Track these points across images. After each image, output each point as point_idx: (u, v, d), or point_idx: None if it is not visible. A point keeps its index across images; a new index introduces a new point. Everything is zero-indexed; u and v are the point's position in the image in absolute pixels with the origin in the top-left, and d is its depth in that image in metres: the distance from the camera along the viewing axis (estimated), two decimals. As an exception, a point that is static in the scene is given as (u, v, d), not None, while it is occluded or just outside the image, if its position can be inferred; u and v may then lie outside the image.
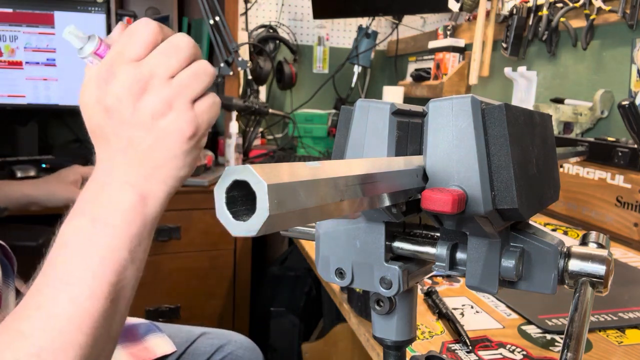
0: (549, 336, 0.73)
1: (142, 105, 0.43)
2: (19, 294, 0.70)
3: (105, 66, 0.44)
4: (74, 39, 0.45)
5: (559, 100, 1.45)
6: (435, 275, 0.94)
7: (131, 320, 0.94)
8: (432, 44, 2.06)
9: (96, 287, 0.42)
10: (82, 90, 0.46)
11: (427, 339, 0.71)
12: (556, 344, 0.70)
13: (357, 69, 2.43)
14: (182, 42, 0.44)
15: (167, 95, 0.43)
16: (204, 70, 0.45)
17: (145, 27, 0.43)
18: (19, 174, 1.58)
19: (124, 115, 0.43)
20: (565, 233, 1.23)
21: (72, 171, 1.24)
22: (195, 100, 0.45)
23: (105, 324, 0.43)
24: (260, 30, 2.39)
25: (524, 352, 0.67)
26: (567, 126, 1.44)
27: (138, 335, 0.90)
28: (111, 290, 0.43)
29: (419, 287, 0.86)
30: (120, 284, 0.44)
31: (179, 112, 0.43)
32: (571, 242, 0.79)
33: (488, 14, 1.76)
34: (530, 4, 1.57)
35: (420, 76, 2.10)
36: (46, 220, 1.04)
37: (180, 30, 2.04)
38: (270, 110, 2.13)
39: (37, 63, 1.78)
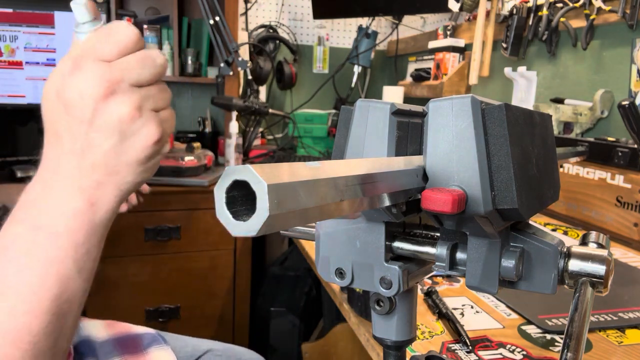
0: (549, 336, 0.73)
1: (108, 108, 0.40)
2: None
3: (73, 58, 0.41)
4: (82, 11, 0.42)
5: (559, 100, 1.45)
6: (435, 275, 0.94)
7: (137, 329, 0.91)
8: (432, 44, 2.06)
9: (36, 301, 0.40)
10: (47, 79, 0.43)
11: (427, 339, 0.71)
12: (556, 344, 0.70)
13: (357, 69, 2.43)
14: (159, 59, 0.43)
15: (137, 101, 0.41)
16: (166, 89, 0.45)
17: (126, 31, 0.41)
18: (19, 174, 1.58)
19: (84, 114, 0.40)
20: (565, 233, 1.23)
21: None
22: (158, 111, 0.44)
23: (48, 341, 0.41)
24: (260, 30, 2.39)
25: (524, 352, 0.67)
26: (567, 126, 1.44)
27: (141, 346, 0.86)
28: (54, 304, 0.40)
29: (419, 287, 0.86)
30: (64, 297, 0.41)
31: (146, 118, 0.42)
32: (571, 242, 0.79)
33: (488, 14, 1.76)
34: (530, 4, 1.57)
35: (420, 76, 2.10)
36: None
37: (180, 30, 2.04)
38: (270, 110, 2.13)
39: (37, 63, 1.78)
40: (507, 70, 1.65)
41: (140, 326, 0.91)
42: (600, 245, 0.33)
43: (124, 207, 1.12)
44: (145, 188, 1.33)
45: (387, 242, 0.34)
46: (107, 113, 0.40)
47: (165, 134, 0.44)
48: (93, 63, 0.40)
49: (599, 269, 0.31)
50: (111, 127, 0.41)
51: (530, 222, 0.34)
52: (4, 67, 1.71)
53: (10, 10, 1.76)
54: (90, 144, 0.41)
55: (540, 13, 1.53)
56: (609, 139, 1.22)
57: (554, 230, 1.25)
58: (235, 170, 0.18)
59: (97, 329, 0.87)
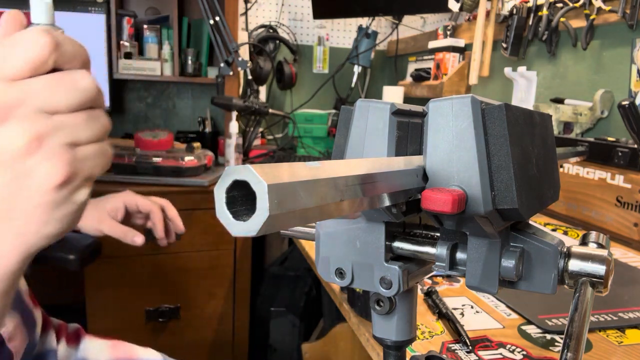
0: (549, 336, 0.73)
1: None
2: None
3: None
4: (42, 10, 0.37)
5: (559, 100, 1.45)
6: (435, 275, 0.94)
7: (142, 353, 0.85)
8: (432, 44, 2.06)
9: None
10: None
11: (427, 339, 0.71)
12: (556, 344, 0.70)
13: (357, 69, 2.43)
14: (83, 81, 0.35)
15: (37, 131, 0.33)
16: (98, 119, 0.36)
17: (36, 42, 0.33)
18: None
19: None
20: (565, 233, 1.23)
21: (115, 198, 1.06)
22: (77, 145, 0.35)
23: None
24: (260, 30, 2.39)
25: (524, 352, 0.67)
26: (567, 126, 1.44)
27: None
28: None
29: (419, 287, 0.86)
30: None
31: (49, 152, 0.33)
32: (571, 242, 0.79)
33: (488, 14, 1.76)
34: (530, 4, 1.57)
35: (420, 76, 2.10)
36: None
37: (180, 30, 2.04)
38: (270, 110, 2.13)
39: (37, 63, 1.78)
40: (507, 70, 1.65)
41: (148, 349, 0.86)
42: (600, 245, 0.33)
43: (138, 240, 1.01)
44: (181, 228, 1.13)
45: (387, 242, 0.34)
46: None
47: (75, 177, 0.35)
48: (34, 117, 0.33)
49: (599, 269, 0.31)
50: (2, 160, 0.33)
51: (530, 222, 0.34)
52: (4, 67, 1.71)
53: (10, 10, 1.76)
54: None
55: (540, 13, 1.53)
56: (609, 139, 1.22)
57: (554, 230, 1.25)
58: (235, 170, 0.18)
59: (98, 350, 0.82)
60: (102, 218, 1.02)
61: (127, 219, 1.08)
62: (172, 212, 1.12)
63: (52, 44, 0.33)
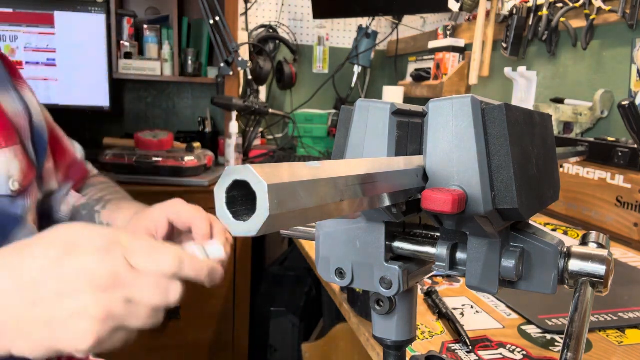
0: (549, 336, 0.73)
1: (80, 295, 0.38)
2: None
3: (111, 234, 0.42)
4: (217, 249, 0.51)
5: (559, 100, 1.45)
6: (435, 275, 0.94)
7: None
8: (432, 44, 2.06)
9: None
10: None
11: (427, 339, 0.71)
12: (556, 344, 0.70)
13: (357, 69, 2.43)
14: (173, 294, 0.43)
15: (108, 306, 0.39)
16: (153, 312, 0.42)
17: (171, 261, 0.43)
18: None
19: (61, 271, 0.39)
20: (565, 233, 1.23)
21: (155, 211, 0.82)
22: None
23: None
24: (260, 30, 2.39)
25: (524, 352, 0.67)
26: (567, 126, 1.44)
27: None
28: None
29: (419, 287, 0.86)
30: None
31: (96, 323, 0.39)
32: (571, 242, 0.79)
33: (488, 14, 1.76)
34: (530, 4, 1.57)
35: (420, 76, 2.10)
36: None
37: (180, 30, 2.04)
38: (270, 110, 2.13)
39: (37, 63, 1.78)
40: (507, 70, 1.65)
41: None
42: (600, 245, 0.33)
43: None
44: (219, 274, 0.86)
45: (387, 242, 0.34)
46: (72, 283, 0.38)
47: (100, 344, 0.39)
48: (118, 255, 0.40)
49: (599, 269, 0.31)
50: (63, 296, 0.38)
51: (531, 222, 0.34)
52: (4, 67, 1.71)
53: (10, 10, 1.76)
54: (41, 297, 0.39)
55: (540, 13, 1.53)
56: (609, 139, 1.22)
57: (554, 230, 1.25)
58: (235, 170, 0.18)
59: None
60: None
61: (171, 238, 0.82)
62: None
63: (179, 266, 0.43)
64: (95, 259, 0.39)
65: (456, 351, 0.67)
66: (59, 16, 1.80)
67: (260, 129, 2.38)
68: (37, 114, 0.78)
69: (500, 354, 0.67)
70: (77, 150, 0.93)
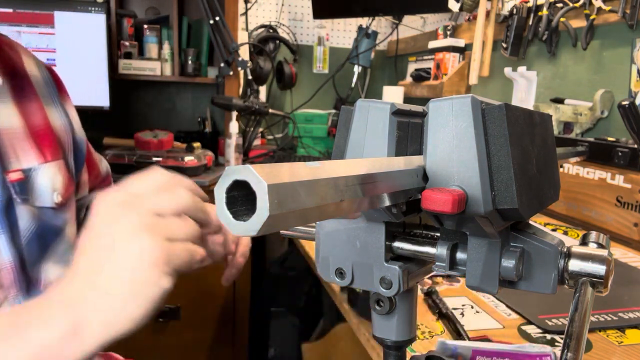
0: (549, 336, 0.73)
1: (122, 220, 0.41)
2: None
3: (135, 195, 0.44)
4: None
5: (559, 100, 1.45)
6: (436, 275, 0.94)
7: None
8: (432, 44, 2.06)
9: None
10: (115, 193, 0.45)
11: (427, 338, 0.71)
12: (556, 344, 0.70)
13: (357, 69, 2.43)
14: (183, 196, 0.46)
15: (148, 221, 0.42)
16: (193, 229, 0.46)
17: (187, 196, 0.46)
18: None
19: (111, 247, 0.41)
20: (565, 233, 1.23)
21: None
22: (173, 240, 0.43)
23: None
24: (260, 30, 2.39)
25: (524, 352, 0.67)
26: (567, 126, 1.44)
27: None
28: None
29: (419, 287, 0.86)
30: None
31: (153, 238, 0.41)
32: (571, 242, 0.79)
33: (488, 14, 1.75)
34: (530, 4, 1.57)
35: (420, 76, 2.10)
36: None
37: (180, 30, 2.04)
38: (270, 110, 2.13)
39: (37, 63, 1.78)
40: (507, 70, 1.65)
41: None
42: (600, 245, 0.33)
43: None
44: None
45: (387, 242, 0.34)
46: (129, 249, 0.41)
47: (168, 262, 0.42)
48: (147, 212, 0.42)
49: (599, 269, 0.31)
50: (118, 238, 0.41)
51: (531, 222, 0.34)
52: (4, 67, 1.71)
53: (10, 10, 1.76)
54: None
55: (540, 13, 1.53)
56: (609, 139, 1.22)
57: (554, 230, 1.25)
58: (235, 170, 0.18)
59: None
60: None
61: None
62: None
63: (195, 198, 0.47)
64: (129, 221, 0.41)
65: (456, 351, 0.67)
66: (59, 16, 1.80)
67: (260, 129, 2.38)
68: (78, 129, 0.81)
69: (500, 354, 0.67)
70: (102, 165, 0.95)
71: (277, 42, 2.40)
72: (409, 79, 2.24)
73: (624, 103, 1.00)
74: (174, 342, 1.82)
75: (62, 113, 0.77)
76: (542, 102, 1.55)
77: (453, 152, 0.29)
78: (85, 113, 2.05)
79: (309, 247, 1.20)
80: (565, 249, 0.32)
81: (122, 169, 1.72)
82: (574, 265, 0.32)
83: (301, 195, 0.19)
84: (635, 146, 1.11)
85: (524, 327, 0.75)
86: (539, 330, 0.74)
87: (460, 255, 0.33)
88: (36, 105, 0.72)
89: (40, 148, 0.69)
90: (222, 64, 1.96)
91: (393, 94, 2.15)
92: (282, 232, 0.42)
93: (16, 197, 0.64)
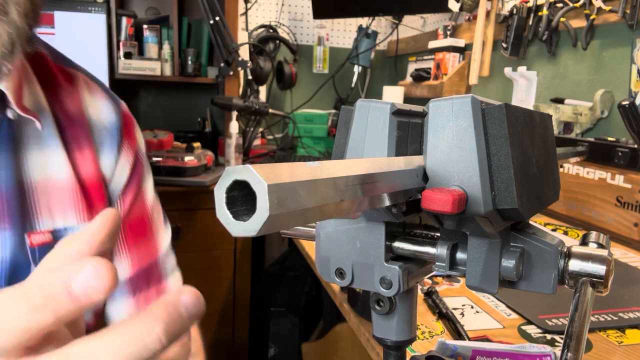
0: (549, 336, 0.72)
1: None
2: None
3: None
4: None
5: (559, 100, 1.45)
6: (436, 275, 0.94)
7: None
8: (432, 44, 2.06)
9: None
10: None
11: (427, 339, 0.71)
12: (556, 344, 0.70)
13: (357, 69, 2.43)
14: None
15: None
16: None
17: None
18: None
19: None
20: (566, 233, 1.23)
21: None
22: None
23: None
24: (260, 30, 2.39)
25: (524, 352, 0.67)
26: (567, 126, 1.44)
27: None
28: None
29: (419, 287, 0.86)
30: None
31: None
32: (571, 242, 0.79)
33: (488, 14, 1.75)
34: (530, 4, 1.57)
35: (420, 76, 2.10)
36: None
37: (180, 30, 2.04)
38: (270, 110, 2.13)
39: (37, 63, 1.78)
40: (507, 70, 1.65)
41: None
42: (600, 245, 0.33)
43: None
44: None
45: (387, 242, 0.34)
46: None
47: None
48: None
49: (600, 269, 0.31)
50: None
51: (531, 222, 0.34)
52: (4, 67, 1.71)
53: (10, 10, 1.76)
54: None
55: (540, 13, 1.53)
56: (609, 139, 1.22)
57: (554, 230, 1.25)
58: (235, 170, 0.18)
59: None
60: None
61: None
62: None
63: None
64: None
65: (456, 351, 0.67)
66: (59, 16, 1.80)
67: (260, 129, 2.38)
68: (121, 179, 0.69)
69: (500, 354, 0.67)
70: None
71: (277, 42, 2.40)
72: (409, 79, 2.24)
73: (624, 103, 1.00)
74: (174, 342, 1.82)
75: (112, 162, 0.66)
76: (542, 102, 1.55)
77: (453, 152, 0.29)
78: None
79: (309, 247, 1.21)
80: (565, 249, 0.32)
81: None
82: (574, 265, 0.32)
83: (301, 195, 0.19)
84: (635, 146, 1.11)
85: (524, 327, 0.75)
86: (539, 330, 0.74)
87: (460, 255, 0.33)
88: (88, 153, 0.62)
89: (84, 204, 0.60)
90: (222, 64, 1.96)
91: (393, 94, 2.15)
92: (282, 232, 0.42)
93: (34, 265, 0.54)
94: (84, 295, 0.25)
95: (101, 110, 0.66)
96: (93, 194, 0.62)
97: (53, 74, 0.62)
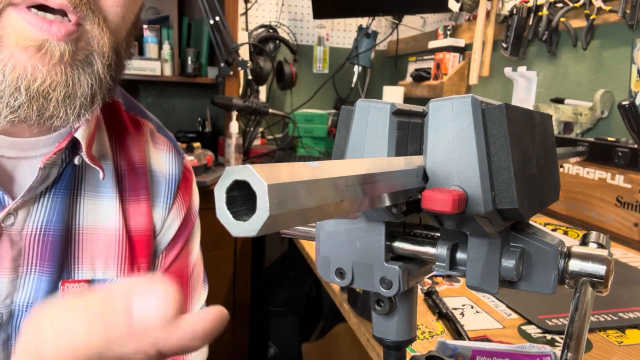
0: (549, 336, 0.72)
1: None
2: None
3: None
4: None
5: (559, 100, 1.45)
6: (436, 275, 0.94)
7: None
8: (432, 44, 2.06)
9: None
10: None
11: (427, 339, 0.71)
12: (556, 344, 0.70)
13: (357, 69, 2.43)
14: None
15: None
16: None
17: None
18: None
19: None
20: (566, 233, 1.23)
21: None
22: None
23: None
24: (260, 30, 2.39)
25: (524, 352, 0.67)
26: (567, 126, 1.44)
27: None
28: None
29: (419, 287, 0.86)
30: None
31: None
32: (571, 242, 0.79)
33: (488, 14, 1.75)
34: (530, 4, 1.57)
35: (420, 76, 2.10)
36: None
37: (180, 30, 2.04)
38: (270, 110, 2.13)
39: (37, 63, 1.78)
40: (507, 70, 1.65)
41: None
42: (600, 246, 0.33)
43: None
44: None
45: (387, 242, 0.34)
46: None
47: None
48: None
49: (600, 269, 0.31)
50: None
51: (531, 222, 0.34)
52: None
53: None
54: None
55: (540, 13, 1.53)
56: (609, 139, 1.22)
57: (554, 230, 1.25)
58: (235, 170, 0.18)
59: None
60: None
61: None
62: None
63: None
64: None
65: (456, 351, 0.67)
66: (59, 16, 1.80)
67: (260, 129, 2.38)
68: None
69: (500, 354, 0.67)
70: None
71: (277, 42, 2.40)
72: (409, 79, 2.24)
73: (624, 103, 1.00)
74: (174, 342, 1.82)
75: (164, 214, 0.65)
76: (542, 102, 1.55)
77: (453, 152, 0.29)
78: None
79: (309, 247, 1.21)
80: (565, 249, 0.32)
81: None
82: (574, 265, 0.32)
83: (301, 195, 0.19)
84: (635, 146, 1.11)
85: (524, 327, 0.75)
86: (539, 330, 0.74)
87: (460, 255, 0.33)
88: (143, 204, 0.61)
89: (128, 257, 0.58)
90: (222, 64, 1.96)
91: (393, 94, 2.15)
92: (282, 232, 0.42)
93: None
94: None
95: (163, 162, 0.65)
96: (138, 247, 0.60)
97: (123, 122, 0.63)
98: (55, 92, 0.45)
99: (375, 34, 2.38)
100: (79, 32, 0.45)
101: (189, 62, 2.03)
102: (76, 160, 0.54)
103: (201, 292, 0.74)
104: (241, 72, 2.06)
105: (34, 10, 0.43)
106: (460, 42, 1.96)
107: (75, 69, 0.46)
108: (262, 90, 2.32)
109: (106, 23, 0.47)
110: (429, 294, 0.82)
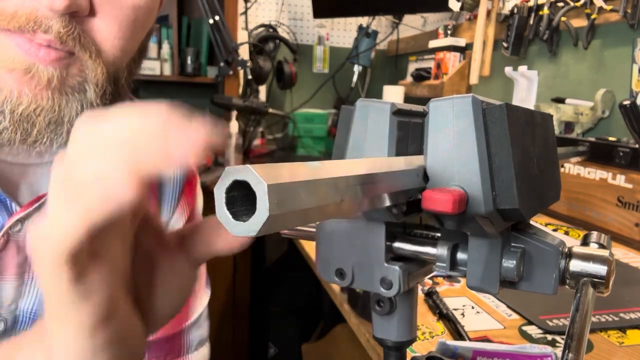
0: (550, 337, 0.72)
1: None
2: None
3: None
4: None
5: (560, 100, 1.45)
6: (436, 276, 0.94)
7: None
8: (432, 44, 2.06)
9: None
10: None
11: (428, 339, 0.71)
12: (557, 344, 0.70)
13: (357, 69, 2.42)
14: None
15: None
16: None
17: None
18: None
19: None
20: (567, 233, 1.23)
21: None
22: None
23: None
24: (260, 29, 2.39)
25: (525, 353, 0.67)
26: (568, 126, 1.44)
27: None
28: None
29: (420, 287, 0.86)
30: None
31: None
32: (572, 242, 0.79)
33: (489, 13, 1.75)
34: (531, 4, 1.56)
35: (420, 76, 2.10)
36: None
37: (180, 29, 2.04)
38: (270, 110, 2.13)
39: (37, 63, 1.78)
40: (508, 70, 1.65)
41: None
42: (601, 246, 0.33)
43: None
44: None
45: (387, 243, 0.34)
46: None
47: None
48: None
49: (601, 269, 0.31)
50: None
51: (532, 222, 0.34)
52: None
53: (11, 10, 1.76)
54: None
55: (541, 12, 1.52)
56: (610, 138, 1.22)
57: (555, 230, 1.25)
58: (235, 170, 0.18)
59: None
60: None
61: None
62: None
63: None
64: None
65: (457, 351, 0.67)
66: (59, 16, 1.80)
67: (260, 129, 2.38)
68: None
69: (501, 354, 0.67)
70: None
71: (277, 41, 2.40)
72: (409, 79, 2.24)
73: (625, 103, 1.00)
74: (174, 342, 1.82)
75: (169, 215, 0.65)
76: (543, 102, 1.55)
77: (454, 152, 0.29)
78: (86, 113, 2.08)
79: (309, 247, 1.20)
80: (566, 250, 0.32)
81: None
82: (575, 265, 0.32)
83: (301, 195, 0.19)
84: (637, 146, 1.11)
85: (524, 328, 0.75)
86: (540, 331, 0.74)
87: (460, 255, 0.33)
88: (152, 204, 0.62)
89: None
90: (221, 64, 1.96)
91: (393, 94, 2.15)
92: (282, 232, 0.41)
93: None
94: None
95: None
96: None
97: None
98: (40, 118, 0.43)
99: (375, 33, 2.38)
100: (71, 59, 0.44)
101: (189, 62, 2.03)
102: None
103: (203, 295, 0.73)
104: (241, 72, 2.06)
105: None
106: (461, 42, 1.96)
107: (63, 95, 0.44)
108: (262, 90, 2.32)
109: (101, 55, 0.45)
110: (430, 295, 0.82)
